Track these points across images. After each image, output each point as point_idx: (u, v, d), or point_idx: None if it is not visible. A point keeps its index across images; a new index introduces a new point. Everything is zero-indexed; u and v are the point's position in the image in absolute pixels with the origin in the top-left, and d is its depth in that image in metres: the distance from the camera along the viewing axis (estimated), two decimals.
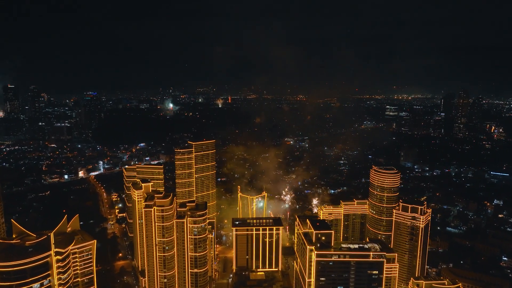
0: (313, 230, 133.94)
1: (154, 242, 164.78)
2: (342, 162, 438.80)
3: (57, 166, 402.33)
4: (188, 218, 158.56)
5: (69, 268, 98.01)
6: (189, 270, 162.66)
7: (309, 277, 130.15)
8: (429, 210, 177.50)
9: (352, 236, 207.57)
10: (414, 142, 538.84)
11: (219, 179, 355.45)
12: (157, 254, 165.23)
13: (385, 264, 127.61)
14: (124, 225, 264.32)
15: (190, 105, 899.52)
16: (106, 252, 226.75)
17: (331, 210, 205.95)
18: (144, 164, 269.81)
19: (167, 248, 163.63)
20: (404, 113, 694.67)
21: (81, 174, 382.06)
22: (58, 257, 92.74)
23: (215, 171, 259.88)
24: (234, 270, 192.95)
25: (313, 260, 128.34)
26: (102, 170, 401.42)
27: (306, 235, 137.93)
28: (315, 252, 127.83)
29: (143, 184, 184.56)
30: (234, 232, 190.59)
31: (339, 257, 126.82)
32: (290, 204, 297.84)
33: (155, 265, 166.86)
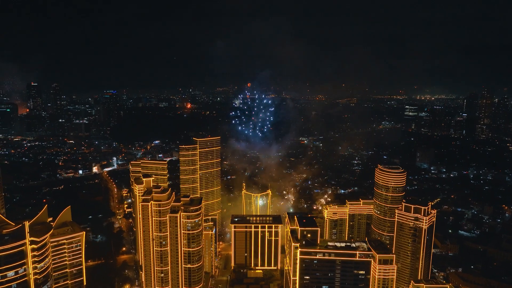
0: (298, 227, 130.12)
1: (151, 237, 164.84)
2: (355, 162, 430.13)
3: (73, 162, 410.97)
4: (181, 213, 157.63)
5: (46, 257, 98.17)
6: (183, 265, 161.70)
7: (294, 275, 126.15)
8: (434, 211, 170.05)
9: (357, 236, 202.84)
10: (433, 143, 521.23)
11: (228, 177, 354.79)
12: (154, 248, 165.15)
13: (373, 264, 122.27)
14: (130, 220, 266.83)
15: (209, 104, 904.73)
16: (110, 246, 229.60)
17: (336, 210, 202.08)
18: (149, 160, 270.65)
19: (163, 242, 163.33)
20: (424, 113, 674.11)
21: (95, 169, 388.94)
22: (34, 246, 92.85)
23: (219, 168, 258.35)
24: (232, 267, 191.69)
25: (297, 257, 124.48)
26: (115, 166, 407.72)
27: (293, 232, 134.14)
28: (299, 249, 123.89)
29: (144, 179, 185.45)
30: (233, 229, 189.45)
31: (324, 255, 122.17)
32: (297, 203, 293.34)
33: (152, 259, 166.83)
